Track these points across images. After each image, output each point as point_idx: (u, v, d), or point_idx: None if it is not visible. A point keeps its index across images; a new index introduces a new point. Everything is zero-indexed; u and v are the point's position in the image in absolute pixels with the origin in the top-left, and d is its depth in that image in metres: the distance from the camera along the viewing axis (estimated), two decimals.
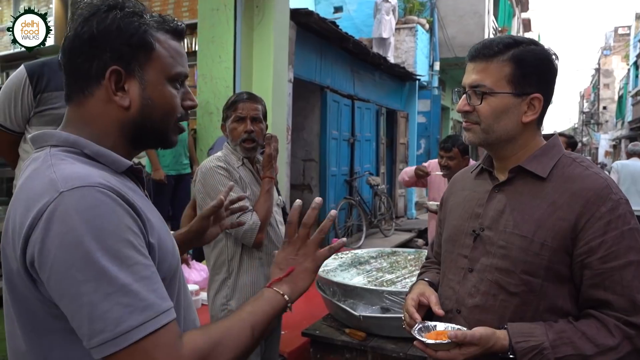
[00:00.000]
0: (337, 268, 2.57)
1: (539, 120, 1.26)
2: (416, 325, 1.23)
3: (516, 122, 1.23)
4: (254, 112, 2.14)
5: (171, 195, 4.43)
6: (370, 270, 2.52)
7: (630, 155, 6.11)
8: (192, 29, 5.27)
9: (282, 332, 2.47)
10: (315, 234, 1.03)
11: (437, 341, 1.15)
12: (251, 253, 2.08)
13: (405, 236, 8.18)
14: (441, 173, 3.38)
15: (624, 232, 1.12)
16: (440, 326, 1.22)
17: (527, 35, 24.97)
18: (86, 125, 0.89)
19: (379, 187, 8.32)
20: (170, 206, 4.53)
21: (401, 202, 10.18)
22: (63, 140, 0.87)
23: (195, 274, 3.19)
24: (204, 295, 2.90)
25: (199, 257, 3.85)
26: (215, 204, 1.31)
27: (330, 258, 2.84)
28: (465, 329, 1.17)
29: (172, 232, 1.26)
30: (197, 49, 5.06)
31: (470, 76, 1.25)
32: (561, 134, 5.42)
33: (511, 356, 1.12)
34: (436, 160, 3.61)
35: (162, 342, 0.76)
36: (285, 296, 0.97)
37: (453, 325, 1.21)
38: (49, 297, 0.78)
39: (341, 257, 2.82)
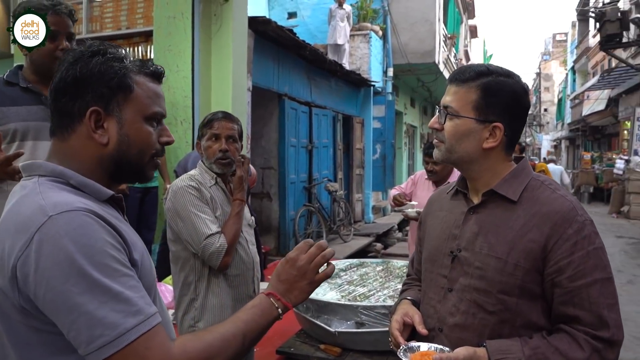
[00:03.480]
0: None
1: (509, 146, 1.31)
2: (401, 347, 1.27)
3: (477, 146, 1.28)
4: (230, 131, 2.11)
5: (138, 209, 4.28)
6: (342, 284, 2.53)
7: (548, 162, 10.23)
8: (147, 36, 5.13)
9: (254, 350, 2.44)
10: (319, 257, 1.10)
11: None
12: (219, 274, 2.05)
13: (364, 241, 8.26)
14: (414, 211, 3.40)
15: (590, 252, 1.19)
16: (424, 346, 1.26)
17: (473, 41, 25.86)
18: (68, 158, 0.98)
19: (338, 193, 8.37)
20: (137, 220, 4.37)
21: (358, 206, 10.29)
22: (50, 170, 0.95)
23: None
24: (171, 312, 2.82)
25: (161, 277, 3.76)
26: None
27: None
28: (447, 348, 1.22)
29: None
30: (152, 57, 4.92)
31: (445, 97, 1.32)
32: None
33: None
34: (422, 171, 3.72)
35: (153, 343, 0.85)
36: (280, 310, 1.04)
37: (436, 345, 1.26)
38: (31, 312, 0.85)
39: None
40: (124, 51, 1.02)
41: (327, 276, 1.12)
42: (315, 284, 1.10)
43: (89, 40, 1.04)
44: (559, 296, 1.20)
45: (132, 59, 1.02)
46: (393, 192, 3.92)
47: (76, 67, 0.96)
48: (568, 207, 1.22)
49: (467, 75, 1.28)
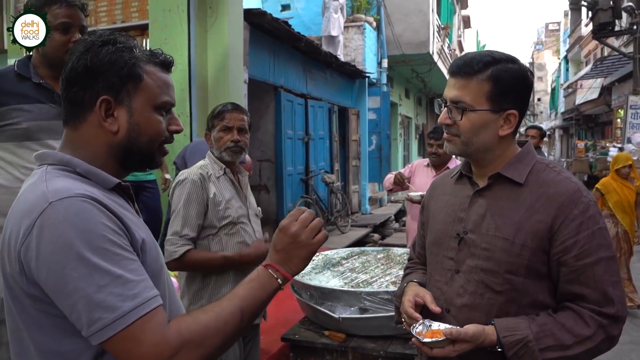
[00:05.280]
0: (311, 271, 2.59)
1: (515, 131, 1.34)
2: (414, 325, 1.31)
3: (493, 135, 1.31)
4: (241, 123, 2.14)
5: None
6: (344, 271, 2.57)
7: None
8: (143, 30, 5.13)
9: (260, 337, 2.47)
10: (315, 221, 1.08)
11: (433, 339, 1.23)
12: None
13: (362, 232, 8.32)
14: (418, 195, 3.45)
15: (595, 232, 1.24)
16: (435, 325, 1.30)
17: (467, 31, 25.86)
18: (80, 147, 1.00)
19: (334, 184, 8.41)
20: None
21: (355, 198, 10.33)
22: (58, 159, 0.98)
23: None
24: None
25: None
26: None
27: None
28: (458, 327, 1.25)
29: None
30: None
31: (452, 91, 1.32)
32: (533, 127, 5.75)
33: (499, 349, 1.21)
34: (419, 160, 3.74)
35: (149, 326, 0.86)
36: (279, 280, 1.03)
37: (446, 324, 1.29)
38: (40, 296, 0.88)
39: (313, 260, 2.85)
40: (134, 41, 1.03)
41: (321, 242, 1.08)
42: (312, 250, 1.06)
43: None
44: (565, 275, 1.24)
45: (141, 48, 1.03)
46: (389, 175, 3.90)
47: (87, 57, 0.97)
48: (573, 188, 1.27)
49: (476, 67, 1.27)
